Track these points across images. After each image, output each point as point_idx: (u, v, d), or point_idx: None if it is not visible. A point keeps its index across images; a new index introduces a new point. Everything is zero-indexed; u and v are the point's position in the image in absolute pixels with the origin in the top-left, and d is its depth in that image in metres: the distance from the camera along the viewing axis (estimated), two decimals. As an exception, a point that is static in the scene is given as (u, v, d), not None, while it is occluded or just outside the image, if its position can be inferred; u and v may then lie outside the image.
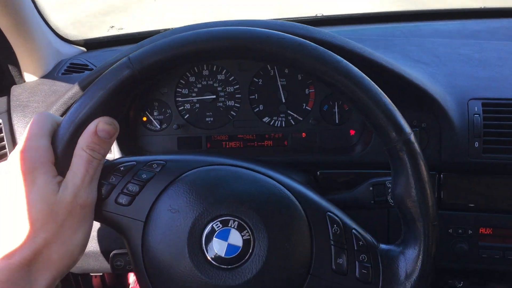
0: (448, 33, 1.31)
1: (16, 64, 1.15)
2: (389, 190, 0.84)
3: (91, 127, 0.64)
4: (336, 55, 0.67)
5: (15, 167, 0.61)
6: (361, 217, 0.74)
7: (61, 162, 0.64)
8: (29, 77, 1.18)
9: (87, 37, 1.48)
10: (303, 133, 1.14)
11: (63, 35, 1.36)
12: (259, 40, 0.66)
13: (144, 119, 1.15)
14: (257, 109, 1.14)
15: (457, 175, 1.02)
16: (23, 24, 1.09)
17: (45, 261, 0.61)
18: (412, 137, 0.65)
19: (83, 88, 1.03)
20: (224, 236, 0.66)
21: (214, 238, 0.65)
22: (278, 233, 0.67)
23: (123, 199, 0.68)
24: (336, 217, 0.69)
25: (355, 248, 0.67)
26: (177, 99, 1.14)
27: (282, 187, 0.71)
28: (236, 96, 1.14)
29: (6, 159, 1.09)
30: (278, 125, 1.15)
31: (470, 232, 1.02)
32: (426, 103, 0.99)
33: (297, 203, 0.70)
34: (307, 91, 1.13)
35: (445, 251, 1.03)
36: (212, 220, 0.66)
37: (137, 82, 0.66)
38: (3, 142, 1.09)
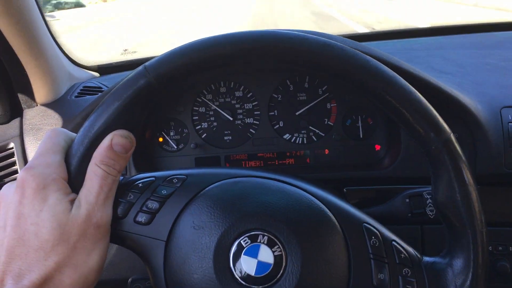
0: (470, 44, 1.28)
1: (28, 87, 1.12)
2: (428, 202, 0.78)
3: (106, 141, 0.60)
4: (364, 54, 0.63)
5: (25, 184, 0.56)
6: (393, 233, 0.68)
7: (74, 179, 0.60)
8: (42, 100, 1.15)
9: (100, 62, 1.46)
10: (326, 150, 1.10)
11: (76, 60, 1.34)
12: (281, 40, 0.62)
13: (161, 139, 1.11)
14: (277, 126, 1.10)
15: (494, 187, 0.96)
16: (37, 46, 1.07)
17: (56, 287, 0.55)
18: (452, 137, 0.60)
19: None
20: (253, 253, 0.60)
21: (242, 256, 0.59)
22: (312, 247, 0.60)
23: (142, 218, 0.62)
24: (373, 228, 0.63)
25: (397, 262, 0.61)
26: (194, 118, 1.11)
27: (313, 198, 0.65)
28: (255, 113, 1.10)
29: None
30: (300, 142, 1.10)
31: (511, 249, 0.95)
32: (456, 112, 0.94)
33: (330, 214, 0.64)
34: (328, 105, 1.09)
35: (485, 270, 0.96)
36: (239, 236, 0.60)
37: (154, 92, 0.62)
38: (16, 167, 1.06)
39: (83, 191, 0.59)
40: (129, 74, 0.62)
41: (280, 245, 0.59)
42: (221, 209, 0.62)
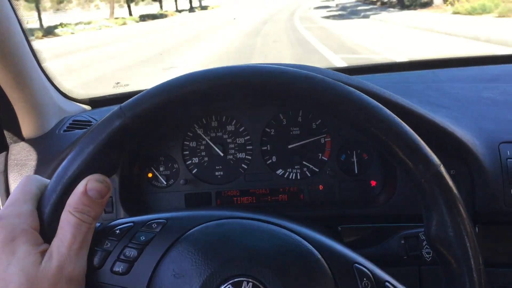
0: (467, 77, 1.26)
1: (15, 121, 1.09)
2: (424, 243, 0.74)
3: (80, 186, 0.57)
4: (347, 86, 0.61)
5: None
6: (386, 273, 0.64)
7: (47, 228, 0.57)
8: (29, 135, 1.12)
9: (92, 95, 1.44)
10: (320, 185, 1.06)
11: (66, 92, 1.32)
12: (260, 74, 0.60)
13: (150, 175, 1.08)
14: (270, 161, 1.07)
15: (494, 226, 0.92)
16: (23, 79, 1.04)
17: None
18: (442, 169, 0.58)
19: None
20: None
21: None
22: None
23: (119, 267, 0.58)
24: (365, 269, 0.60)
25: None
26: (185, 152, 1.08)
27: (300, 239, 0.62)
28: (247, 147, 1.07)
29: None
30: (293, 177, 1.07)
31: None
32: (453, 148, 0.91)
33: (318, 255, 0.60)
34: (322, 140, 1.06)
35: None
36: (222, 283, 0.56)
37: (131, 133, 0.60)
38: (-2, 204, 1.02)
39: (55, 241, 0.55)
40: (105, 116, 0.60)
41: None
42: (203, 255, 0.58)
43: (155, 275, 0.58)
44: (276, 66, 0.62)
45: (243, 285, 0.56)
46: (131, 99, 0.60)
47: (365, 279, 0.58)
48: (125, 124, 0.58)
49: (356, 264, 0.60)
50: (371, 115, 0.58)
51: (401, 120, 0.59)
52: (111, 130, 0.58)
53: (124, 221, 0.63)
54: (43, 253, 0.54)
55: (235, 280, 0.56)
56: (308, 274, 0.58)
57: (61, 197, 0.57)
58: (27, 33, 1.08)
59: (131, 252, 0.59)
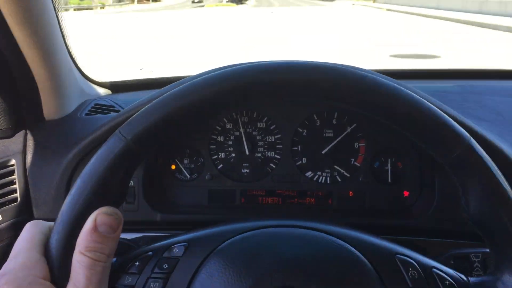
0: (506, 91, 1.21)
1: (37, 100, 1.04)
2: (475, 265, 0.70)
3: (88, 223, 0.51)
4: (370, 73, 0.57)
5: None
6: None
7: (58, 275, 0.52)
8: (50, 116, 1.08)
9: (114, 80, 1.39)
10: (350, 192, 1.02)
11: (89, 75, 1.27)
12: (266, 71, 0.55)
13: (173, 167, 1.04)
14: (300, 162, 1.03)
15: None
16: (52, 59, 1.00)
17: None
18: (473, 141, 0.54)
19: (108, 131, 0.92)
20: None
21: None
22: None
23: None
24: (409, 259, 0.56)
25: None
26: (211, 146, 1.03)
27: (334, 239, 0.58)
28: (277, 146, 1.03)
29: (17, 204, 0.97)
30: (323, 181, 1.02)
31: None
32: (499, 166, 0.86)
33: (356, 252, 0.57)
34: (356, 145, 1.01)
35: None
36: None
37: (135, 156, 0.55)
38: (14, 186, 0.97)
39: (70, 286, 0.50)
40: (104, 142, 0.55)
41: None
42: (235, 273, 0.54)
43: None
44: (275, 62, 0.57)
45: None
46: (129, 120, 0.55)
47: (410, 269, 0.55)
48: (127, 149, 0.53)
49: (398, 255, 0.57)
50: (394, 99, 0.54)
51: (425, 101, 0.55)
52: (113, 157, 0.53)
53: (142, 251, 0.58)
54: None
55: None
56: (350, 273, 0.55)
57: (70, 237, 0.51)
58: (58, 11, 1.03)
59: (155, 284, 0.55)
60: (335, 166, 1.02)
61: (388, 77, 0.82)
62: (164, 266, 0.56)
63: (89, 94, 1.24)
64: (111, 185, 0.53)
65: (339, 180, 1.02)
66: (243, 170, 1.03)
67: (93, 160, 0.54)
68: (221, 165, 1.03)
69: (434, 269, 0.56)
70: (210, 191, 1.03)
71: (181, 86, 0.55)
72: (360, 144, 1.01)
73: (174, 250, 0.57)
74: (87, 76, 1.27)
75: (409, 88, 0.74)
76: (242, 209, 1.02)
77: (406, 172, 1.00)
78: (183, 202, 1.03)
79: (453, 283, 0.55)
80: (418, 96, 0.55)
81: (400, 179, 1.00)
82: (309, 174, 1.03)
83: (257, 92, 0.55)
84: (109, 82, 1.38)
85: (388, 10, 24.75)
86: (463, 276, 0.57)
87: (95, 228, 0.51)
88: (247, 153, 1.02)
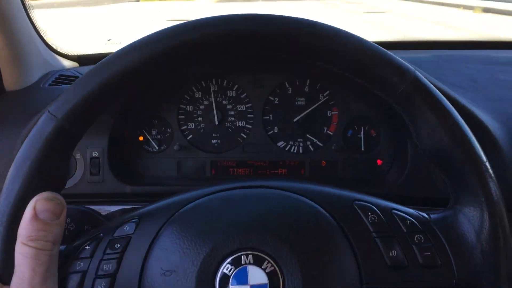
0: (482, 59, 1.19)
1: (-4, 70, 0.99)
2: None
3: (27, 211, 0.48)
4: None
5: None
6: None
7: (2, 270, 0.49)
8: (11, 86, 1.03)
9: (82, 52, 1.34)
10: (323, 161, 1.00)
11: (54, 46, 1.22)
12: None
13: (141, 138, 1.00)
14: (271, 131, 1.00)
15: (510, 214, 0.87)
16: (7, 23, 0.95)
17: None
18: (418, 73, 0.52)
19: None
20: (242, 279, 0.49)
21: (230, 286, 0.49)
22: (305, 248, 0.51)
23: (101, 285, 0.51)
24: (367, 204, 0.55)
25: (405, 231, 0.53)
26: (180, 117, 1.00)
27: (290, 193, 0.56)
28: (248, 116, 1.00)
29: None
30: (295, 150, 1.00)
31: None
32: (470, 128, 0.85)
33: (314, 204, 0.54)
34: (329, 113, 0.99)
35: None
36: (220, 265, 0.50)
37: (70, 135, 0.51)
38: (-27, 159, 0.93)
39: (14, 280, 0.47)
40: (34, 123, 0.51)
41: (269, 259, 0.50)
42: (189, 242, 0.51)
43: (143, 282, 0.51)
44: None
45: (243, 259, 0.49)
46: (59, 97, 0.51)
47: (370, 213, 0.54)
48: (60, 129, 0.50)
49: (356, 201, 0.55)
50: (337, 42, 0.52)
51: (366, 39, 0.53)
52: (45, 139, 0.49)
53: (92, 234, 0.55)
54: None
55: (233, 257, 0.50)
56: (308, 226, 0.53)
57: (10, 229, 0.48)
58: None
59: (109, 265, 0.51)
60: (308, 135, 0.99)
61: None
62: (116, 246, 0.52)
63: (54, 66, 1.18)
64: (48, 169, 0.50)
65: (312, 149, 1.00)
66: (213, 141, 1.00)
67: (25, 143, 0.50)
68: (191, 136, 1.00)
69: (394, 211, 0.55)
70: (179, 162, 1.00)
71: (109, 55, 0.52)
72: (332, 112, 0.99)
73: (125, 228, 0.54)
74: (51, 47, 1.21)
75: None
76: (212, 180, 0.99)
77: (379, 140, 0.98)
78: (152, 173, 1.00)
79: (414, 221, 0.54)
80: (358, 35, 0.53)
81: (374, 147, 0.99)
82: (281, 143, 1.00)
83: (181, 54, 0.52)
84: (76, 54, 1.33)
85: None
86: (424, 214, 0.56)
87: (35, 215, 0.48)
88: (217, 123, 0.99)
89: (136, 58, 0.51)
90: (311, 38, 0.52)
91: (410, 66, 0.52)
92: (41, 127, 0.50)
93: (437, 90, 0.53)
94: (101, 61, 0.52)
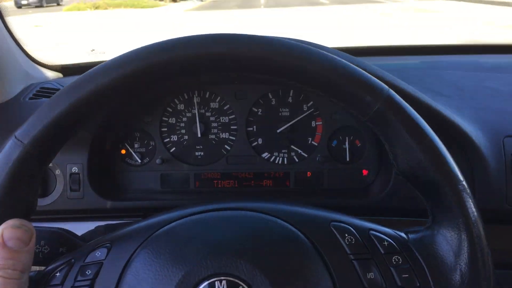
0: (469, 66, 1.19)
1: (-26, 84, 0.98)
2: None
3: None
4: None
5: None
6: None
7: None
8: (-11, 101, 1.01)
9: (65, 63, 1.32)
10: (308, 172, 0.98)
11: (36, 57, 1.20)
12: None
13: (123, 152, 0.99)
14: (255, 143, 0.99)
15: (495, 225, 0.86)
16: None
17: None
18: (392, 92, 0.51)
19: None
20: None
21: None
22: (280, 273, 0.50)
23: None
24: (344, 224, 0.54)
25: (382, 252, 0.52)
26: (163, 129, 0.98)
27: (263, 215, 0.55)
28: (232, 127, 0.98)
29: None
30: (280, 162, 0.99)
31: None
32: (454, 139, 0.84)
33: (289, 226, 0.53)
34: (313, 123, 0.98)
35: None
36: None
37: (37, 160, 0.50)
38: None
39: None
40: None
41: (243, 285, 0.48)
42: (162, 268, 0.50)
43: None
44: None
45: (216, 285, 0.48)
46: (26, 122, 0.50)
47: (346, 234, 0.53)
48: (26, 154, 0.49)
49: (333, 222, 0.54)
50: (310, 63, 0.51)
51: (339, 58, 0.52)
52: (12, 165, 0.48)
53: (62, 261, 0.53)
54: None
55: (207, 283, 0.48)
56: (283, 249, 0.52)
57: None
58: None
59: None
60: (292, 146, 0.98)
61: (305, 41, 0.79)
62: (87, 272, 0.51)
63: (36, 78, 1.16)
64: (15, 195, 0.49)
65: (297, 160, 0.98)
66: (196, 153, 0.99)
67: None
68: (174, 148, 0.99)
69: (372, 231, 0.54)
70: (163, 175, 0.98)
71: (78, 77, 0.51)
72: (317, 123, 0.98)
73: (96, 254, 0.53)
74: (32, 58, 1.19)
75: (324, 48, 0.70)
76: (196, 193, 0.98)
77: (364, 151, 0.97)
78: (134, 187, 0.98)
79: (392, 242, 0.53)
80: (329, 54, 0.52)
81: (359, 157, 0.97)
82: (265, 155, 0.99)
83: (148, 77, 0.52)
84: (60, 65, 1.31)
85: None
86: (402, 234, 0.54)
87: (2, 244, 0.47)
88: (199, 135, 0.97)
89: (106, 80, 0.51)
90: (283, 58, 0.51)
91: (383, 85, 0.51)
92: (7, 152, 0.49)
93: (411, 109, 0.51)
94: (70, 83, 0.51)
